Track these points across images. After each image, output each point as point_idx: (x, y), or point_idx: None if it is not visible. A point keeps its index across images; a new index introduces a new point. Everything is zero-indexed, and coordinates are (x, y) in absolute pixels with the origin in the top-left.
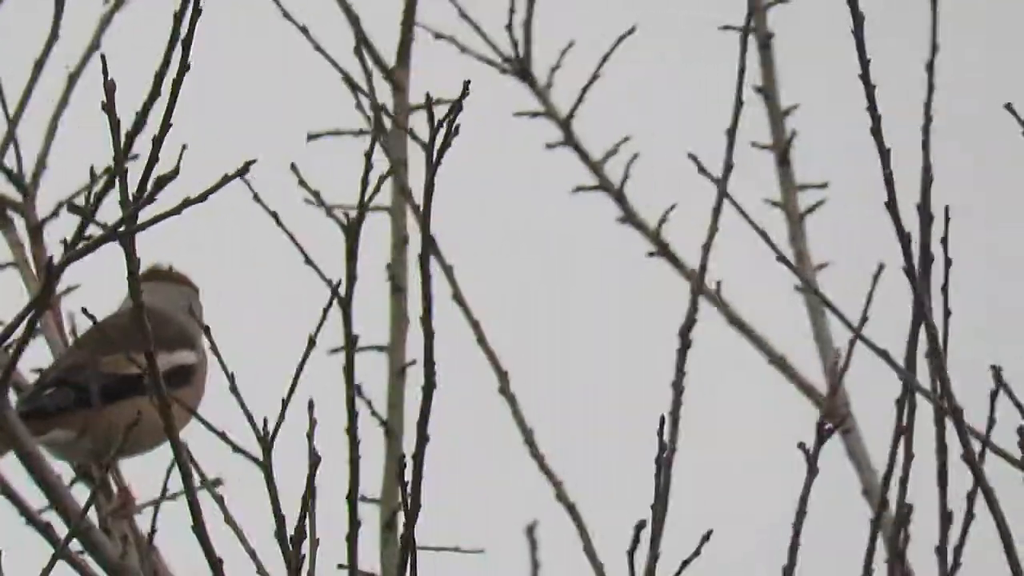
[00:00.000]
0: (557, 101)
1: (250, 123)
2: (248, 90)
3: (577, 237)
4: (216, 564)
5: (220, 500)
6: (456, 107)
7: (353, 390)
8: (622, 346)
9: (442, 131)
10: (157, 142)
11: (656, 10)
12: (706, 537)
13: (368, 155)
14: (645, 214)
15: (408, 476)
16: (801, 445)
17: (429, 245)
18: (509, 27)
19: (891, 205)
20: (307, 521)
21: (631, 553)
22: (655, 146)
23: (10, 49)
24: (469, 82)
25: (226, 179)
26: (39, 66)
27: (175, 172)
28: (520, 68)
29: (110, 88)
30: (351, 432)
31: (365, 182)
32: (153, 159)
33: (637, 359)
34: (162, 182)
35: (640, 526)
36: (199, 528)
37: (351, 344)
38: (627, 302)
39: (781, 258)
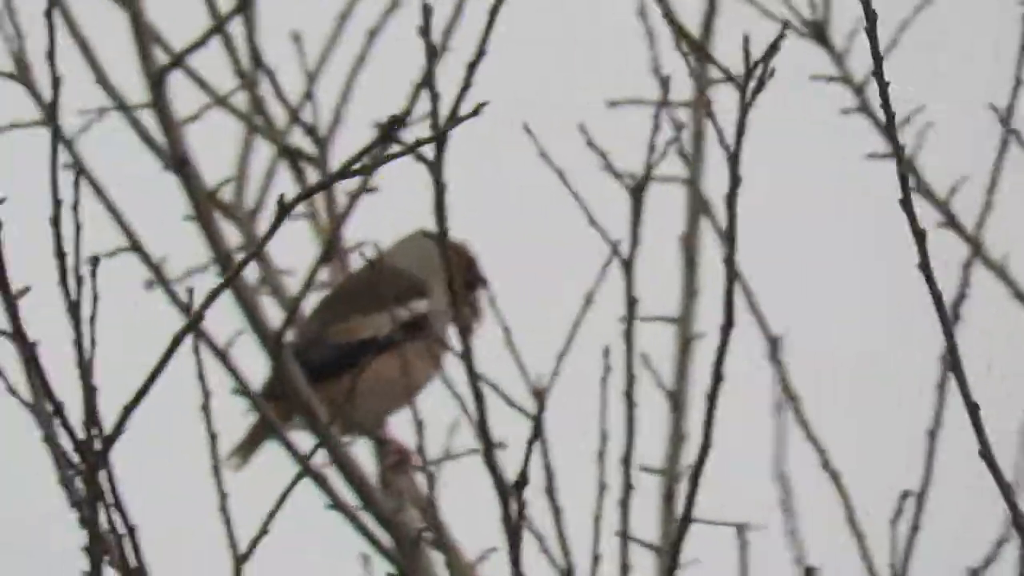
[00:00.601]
0: (854, 67)
1: (547, 85)
2: (547, 51)
3: (867, 203)
4: (506, 492)
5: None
6: (773, 49)
7: (632, 352)
8: (905, 315)
9: (756, 72)
10: (471, 67)
11: None
12: None
13: (656, 118)
14: (936, 184)
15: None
16: None
17: (736, 185)
18: None
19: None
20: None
21: (893, 523)
22: (948, 116)
23: (312, 4)
24: (787, 23)
25: (458, 120)
26: (341, 22)
27: (406, 113)
28: (818, 32)
29: (427, 10)
30: (628, 394)
31: (653, 145)
32: (466, 85)
33: (919, 330)
34: (395, 123)
35: (904, 496)
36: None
37: (632, 305)
38: (914, 271)
39: None
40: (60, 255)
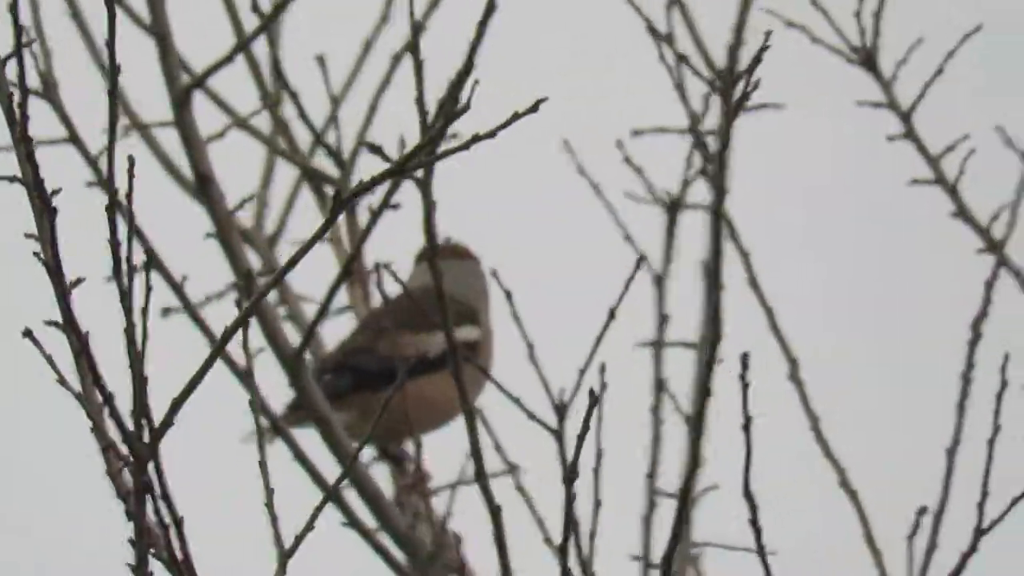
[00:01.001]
0: (900, 93)
1: (578, 96)
2: (577, 63)
3: (910, 228)
4: (496, 511)
5: (513, 468)
6: (757, 60)
7: (660, 369)
8: (947, 341)
9: (741, 82)
10: (457, 82)
11: (1004, 8)
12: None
13: (691, 130)
14: (978, 211)
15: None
16: None
17: (722, 196)
18: (858, 15)
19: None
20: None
21: (910, 539)
22: (993, 144)
23: (339, 27)
24: (770, 32)
25: (516, 116)
26: (367, 48)
27: (466, 107)
28: (866, 59)
29: (416, 28)
30: (655, 410)
31: (688, 163)
32: (453, 96)
33: (951, 352)
34: (451, 117)
35: (921, 512)
36: (481, 477)
37: (662, 322)
38: (954, 296)
39: None
40: (113, 243)
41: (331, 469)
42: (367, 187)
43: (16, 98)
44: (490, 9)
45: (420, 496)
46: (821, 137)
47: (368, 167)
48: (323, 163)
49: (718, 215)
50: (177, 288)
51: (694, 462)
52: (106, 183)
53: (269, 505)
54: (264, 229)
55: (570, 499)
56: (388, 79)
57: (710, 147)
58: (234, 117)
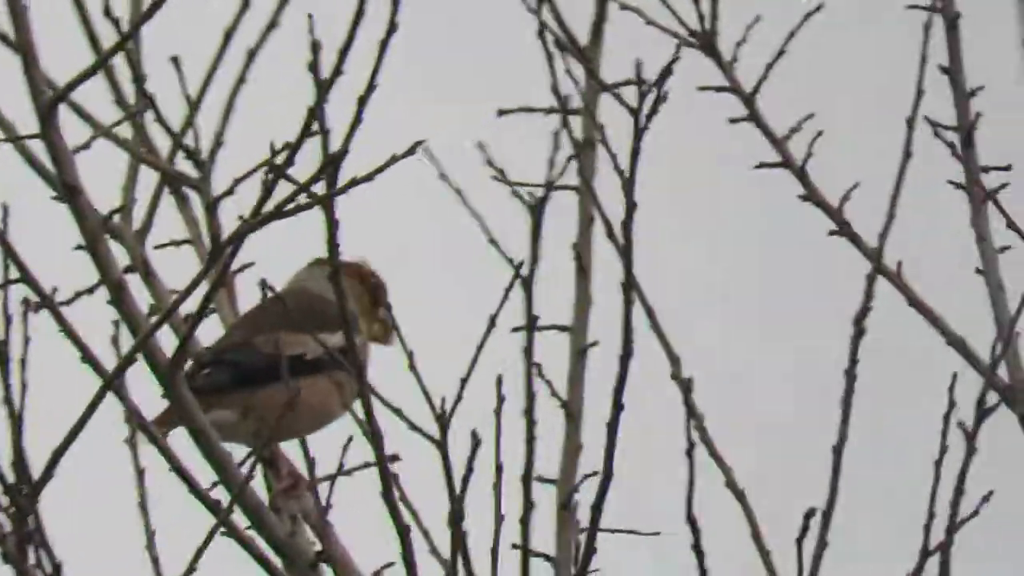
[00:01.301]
0: (742, 76)
1: (441, 100)
2: (439, 66)
3: (758, 214)
4: (404, 531)
5: (395, 477)
6: (666, 72)
7: (532, 369)
8: (799, 326)
9: (650, 97)
10: (362, 101)
11: None
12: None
13: (556, 136)
14: (827, 192)
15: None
16: (960, 424)
17: (632, 211)
18: (696, 0)
19: None
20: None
21: (799, 541)
22: (838, 124)
23: (193, 26)
24: (681, 45)
25: (394, 159)
26: (226, 38)
27: (344, 151)
28: (706, 42)
29: (316, 46)
30: (528, 412)
31: (552, 161)
32: (357, 119)
33: (814, 339)
34: (334, 159)
35: (809, 514)
36: (388, 495)
37: (532, 323)
38: (806, 280)
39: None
40: None
41: (205, 471)
42: (273, 217)
43: None
44: (391, 29)
45: (296, 499)
46: (663, 122)
47: (227, 168)
48: (183, 165)
49: (628, 225)
50: (52, 307)
51: (607, 474)
52: None
53: (150, 546)
54: (132, 225)
55: (457, 541)
56: (243, 76)
57: (582, 140)
58: (97, 127)
